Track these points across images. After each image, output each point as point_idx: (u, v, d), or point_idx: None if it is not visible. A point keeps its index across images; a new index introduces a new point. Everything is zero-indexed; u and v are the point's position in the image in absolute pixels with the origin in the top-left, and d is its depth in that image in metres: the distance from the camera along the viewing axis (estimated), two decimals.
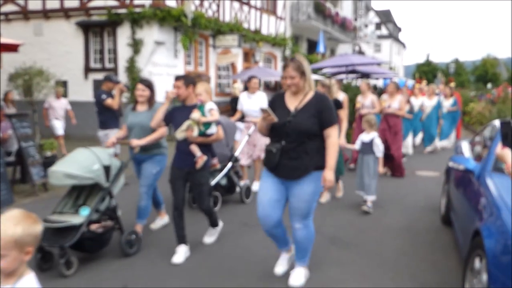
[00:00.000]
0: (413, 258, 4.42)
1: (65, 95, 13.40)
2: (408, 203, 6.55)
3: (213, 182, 5.75)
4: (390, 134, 8.31)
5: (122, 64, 13.24)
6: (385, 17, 55.52)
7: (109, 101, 7.05)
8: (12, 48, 7.87)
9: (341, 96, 8.12)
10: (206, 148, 4.37)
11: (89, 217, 4.03)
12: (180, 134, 4.21)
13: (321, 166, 3.51)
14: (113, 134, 7.16)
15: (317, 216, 5.71)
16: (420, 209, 6.24)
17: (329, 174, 3.46)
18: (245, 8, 17.78)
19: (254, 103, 6.73)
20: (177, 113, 4.41)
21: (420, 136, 12.36)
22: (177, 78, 4.50)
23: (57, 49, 13.99)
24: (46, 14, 14.07)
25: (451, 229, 5.13)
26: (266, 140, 6.04)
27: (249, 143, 6.85)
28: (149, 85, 4.95)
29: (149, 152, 4.85)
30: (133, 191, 7.18)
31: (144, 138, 4.66)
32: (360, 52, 29.59)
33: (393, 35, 55.44)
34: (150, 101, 4.94)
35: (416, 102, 11.82)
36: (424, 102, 11.78)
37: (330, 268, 4.14)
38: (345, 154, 7.93)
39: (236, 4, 17.11)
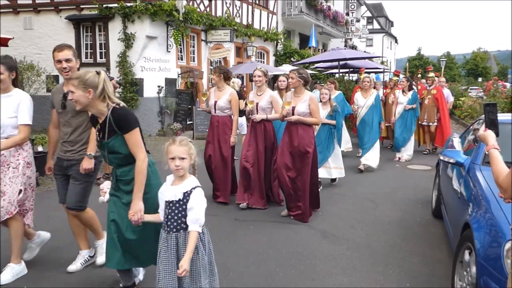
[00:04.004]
0: (403, 251, 4.47)
1: None
2: (399, 197, 6.60)
3: None
4: (295, 154, 5.29)
5: (113, 59, 13.15)
6: (377, 11, 55.60)
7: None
8: (2, 42, 7.79)
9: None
10: None
11: None
12: None
13: None
14: None
15: None
16: (411, 203, 6.29)
17: None
18: (237, 2, 17.72)
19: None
20: None
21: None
22: None
23: (48, 44, 13.80)
24: (36, 8, 13.91)
25: (442, 222, 5.19)
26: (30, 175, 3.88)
27: None
28: None
29: None
30: None
31: None
32: (353, 47, 29.63)
33: (385, 29, 55.55)
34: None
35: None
36: (358, 99, 8.61)
37: (321, 262, 4.17)
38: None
39: None
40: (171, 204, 2.78)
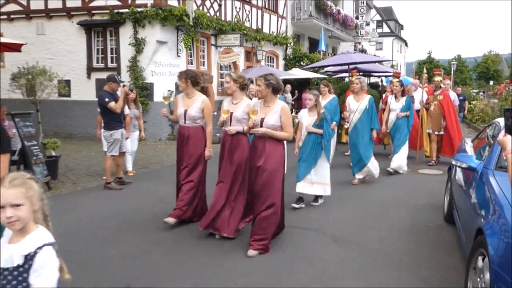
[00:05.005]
0: (414, 256, 4.42)
1: (68, 94, 13.51)
2: (410, 201, 6.54)
3: None
4: (261, 174, 4.52)
5: (124, 63, 13.27)
6: (387, 15, 55.44)
7: (112, 105, 6.93)
8: (16, 47, 7.89)
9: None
10: None
11: None
12: None
13: None
14: (118, 135, 7.17)
15: (319, 215, 5.76)
16: (423, 208, 6.23)
17: None
18: (247, 7, 17.78)
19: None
20: None
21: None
22: None
23: (60, 49, 14.04)
24: (48, 13, 14.11)
25: (454, 227, 5.14)
26: None
27: None
28: None
29: None
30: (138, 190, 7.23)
31: None
32: (362, 51, 29.56)
33: (395, 33, 55.36)
34: None
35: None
36: (350, 104, 7.74)
37: (331, 266, 4.15)
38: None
39: (238, 3, 17.11)
40: (6, 273, 1.85)
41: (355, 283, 3.83)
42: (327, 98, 8.40)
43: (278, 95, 4.92)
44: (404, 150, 8.58)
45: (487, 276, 2.83)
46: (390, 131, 8.88)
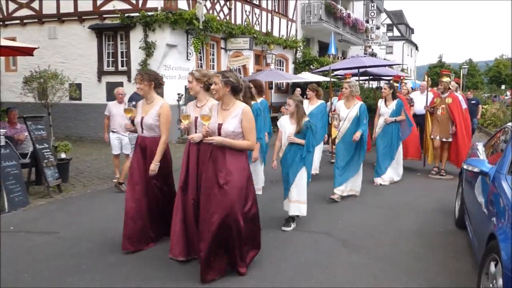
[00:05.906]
0: (426, 261, 4.38)
1: (79, 97, 13.61)
2: (420, 206, 6.48)
3: None
4: (219, 191, 3.79)
5: (134, 67, 13.36)
6: (397, 18, 55.23)
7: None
8: (28, 51, 7.99)
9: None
10: None
11: None
12: None
13: None
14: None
15: (328, 219, 5.73)
16: (433, 212, 6.17)
17: None
18: (257, 10, 17.85)
19: None
20: None
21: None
22: None
23: (71, 53, 14.19)
24: (60, 18, 14.28)
25: (465, 232, 5.08)
26: None
27: None
28: None
29: None
30: None
31: None
32: (372, 54, 29.44)
33: (405, 37, 55.12)
34: None
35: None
36: (340, 110, 6.87)
37: (341, 272, 4.12)
38: None
39: (248, 7, 17.18)
40: None
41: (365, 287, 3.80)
42: (315, 104, 7.81)
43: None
44: (395, 159, 7.98)
45: (500, 281, 2.79)
46: (377, 138, 8.09)
